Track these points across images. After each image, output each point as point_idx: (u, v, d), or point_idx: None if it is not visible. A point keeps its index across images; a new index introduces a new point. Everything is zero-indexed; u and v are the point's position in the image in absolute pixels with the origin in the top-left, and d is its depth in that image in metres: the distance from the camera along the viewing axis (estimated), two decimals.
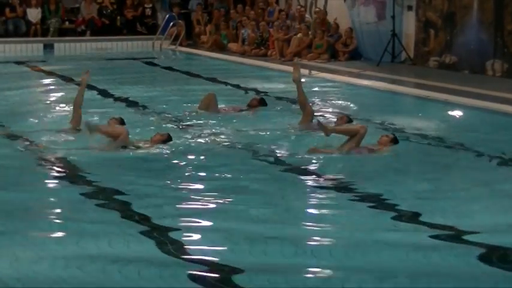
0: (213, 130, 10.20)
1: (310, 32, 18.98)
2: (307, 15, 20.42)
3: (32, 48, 22.79)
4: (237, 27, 22.05)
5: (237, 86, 14.86)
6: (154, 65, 20.16)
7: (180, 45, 22.81)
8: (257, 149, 9.07)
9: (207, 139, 9.70)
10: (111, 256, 5.50)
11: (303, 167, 8.20)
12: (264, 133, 10.00)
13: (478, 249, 5.61)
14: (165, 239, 5.83)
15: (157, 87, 15.49)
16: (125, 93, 13.67)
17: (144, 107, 12.31)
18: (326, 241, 5.89)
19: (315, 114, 10.78)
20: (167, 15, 23.58)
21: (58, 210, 6.77)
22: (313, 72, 16.12)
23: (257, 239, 5.86)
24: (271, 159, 8.61)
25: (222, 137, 9.80)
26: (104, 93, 13.84)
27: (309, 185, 7.58)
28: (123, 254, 5.56)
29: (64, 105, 12.45)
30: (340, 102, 13.18)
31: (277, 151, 8.93)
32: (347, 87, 14.62)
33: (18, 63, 19.62)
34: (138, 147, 8.98)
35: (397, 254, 5.57)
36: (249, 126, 10.39)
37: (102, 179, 7.68)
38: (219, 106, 11.59)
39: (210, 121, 10.83)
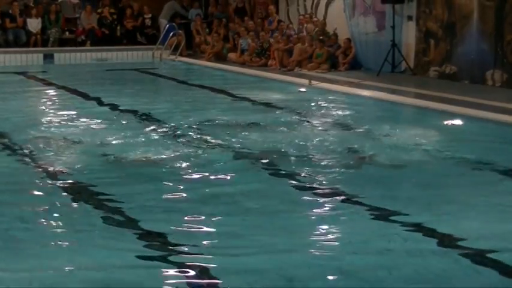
0: (214, 140, 10.18)
1: (313, 42, 18.96)
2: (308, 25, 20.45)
3: (32, 58, 22.82)
4: (233, 38, 22.08)
5: (238, 96, 14.85)
6: (155, 74, 20.17)
7: (180, 55, 22.84)
8: (259, 159, 9.05)
9: (208, 149, 9.68)
10: (110, 267, 5.50)
11: (306, 177, 8.18)
12: (264, 143, 9.98)
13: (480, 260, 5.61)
14: (168, 251, 5.83)
15: (158, 97, 15.51)
16: (125, 103, 13.66)
17: (145, 116, 12.30)
18: (325, 253, 5.86)
19: (317, 125, 10.74)
20: (167, 25, 23.62)
21: (57, 220, 6.74)
22: (313, 82, 16.13)
23: (259, 252, 5.84)
24: (274, 169, 8.58)
25: (223, 147, 9.78)
26: (104, 103, 13.83)
27: (312, 195, 7.54)
28: (122, 265, 5.55)
29: (63, 114, 12.49)
30: (340, 112, 13.17)
31: (279, 161, 8.92)
32: (347, 97, 14.61)
33: (18, 73, 19.63)
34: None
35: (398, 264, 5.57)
36: (249, 136, 10.37)
37: (102, 189, 7.66)
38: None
39: (211, 131, 10.83)
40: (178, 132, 10.90)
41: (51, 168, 8.60)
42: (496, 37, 14.47)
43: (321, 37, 18.87)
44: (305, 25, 20.23)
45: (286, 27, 20.95)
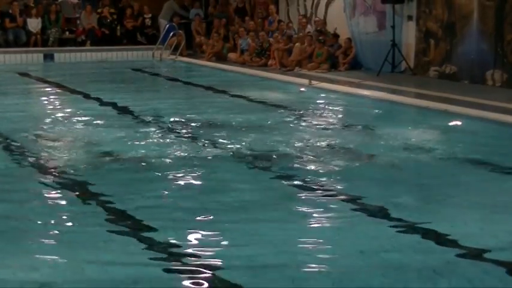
0: (214, 140, 10.18)
1: (312, 42, 18.93)
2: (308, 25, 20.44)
3: (32, 58, 22.82)
4: (234, 38, 22.08)
5: (238, 96, 14.85)
6: (154, 74, 20.17)
7: (180, 55, 22.83)
8: (258, 159, 9.04)
9: (207, 150, 9.68)
10: (108, 269, 5.50)
11: (306, 179, 8.16)
12: (263, 143, 9.97)
13: (480, 259, 5.61)
14: (166, 253, 5.83)
15: (157, 97, 15.50)
16: (125, 103, 13.66)
17: (145, 116, 12.29)
18: (326, 255, 5.85)
19: (317, 125, 10.74)
20: (167, 25, 23.61)
21: (52, 221, 6.72)
22: (313, 82, 16.13)
23: (259, 257, 5.82)
24: (273, 170, 8.57)
25: (223, 147, 9.78)
26: (104, 103, 13.84)
27: (313, 197, 7.52)
28: (121, 267, 5.56)
29: (62, 114, 12.50)
30: (340, 112, 13.18)
31: (279, 162, 8.90)
32: (347, 97, 14.61)
33: (18, 73, 19.62)
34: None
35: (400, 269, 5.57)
36: (249, 136, 10.36)
37: (101, 189, 7.65)
38: None
39: (211, 131, 10.82)
40: (178, 132, 10.90)
41: (48, 167, 8.61)
42: (496, 37, 14.47)
43: (320, 37, 18.85)
44: (305, 29, 20.19)
45: (286, 26, 20.92)
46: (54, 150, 9.62)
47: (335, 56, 18.54)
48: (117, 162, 8.93)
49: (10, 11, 23.75)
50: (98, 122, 11.64)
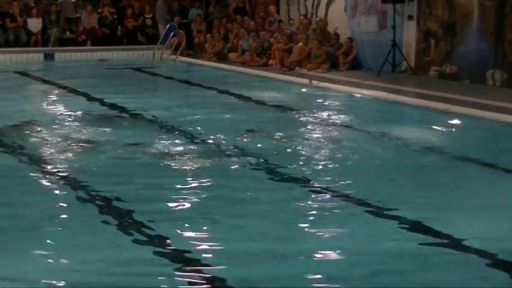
0: (214, 140, 10.18)
1: (308, 42, 18.92)
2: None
3: (33, 57, 22.82)
4: (234, 38, 22.05)
5: (238, 96, 14.85)
6: (155, 74, 20.17)
7: (181, 55, 22.83)
8: (258, 159, 9.05)
9: (207, 150, 9.68)
10: (108, 268, 5.50)
11: (304, 177, 8.17)
12: (263, 143, 9.98)
13: (480, 259, 5.61)
14: (166, 253, 5.83)
15: (158, 97, 15.51)
16: (125, 103, 13.66)
17: (145, 116, 12.30)
18: (329, 254, 5.85)
19: (317, 125, 10.75)
20: (168, 25, 23.61)
21: (52, 220, 6.73)
22: (313, 81, 16.13)
23: (258, 253, 5.82)
24: (273, 170, 8.57)
25: (223, 147, 9.78)
26: (104, 103, 13.84)
27: (310, 195, 7.52)
28: (119, 262, 5.55)
29: (62, 113, 12.50)
30: (340, 111, 13.17)
31: (279, 161, 8.91)
32: (347, 97, 14.62)
33: (19, 72, 19.62)
34: None
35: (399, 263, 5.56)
36: (249, 136, 10.37)
37: (100, 189, 7.65)
38: None
39: (211, 131, 10.82)
40: (178, 132, 10.90)
41: (47, 167, 8.62)
42: (496, 37, 14.47)
43: (320, 38, 18.82)
44: (309, 29, 20.16)
45: (286, 23, 20.85)
46: (54, 150, 9.61)
47: (335, 56, 18.52)
48: (116, 162, 8.93)
49: (10, 11, 23.76)
50: (98, 121, 11.63)
